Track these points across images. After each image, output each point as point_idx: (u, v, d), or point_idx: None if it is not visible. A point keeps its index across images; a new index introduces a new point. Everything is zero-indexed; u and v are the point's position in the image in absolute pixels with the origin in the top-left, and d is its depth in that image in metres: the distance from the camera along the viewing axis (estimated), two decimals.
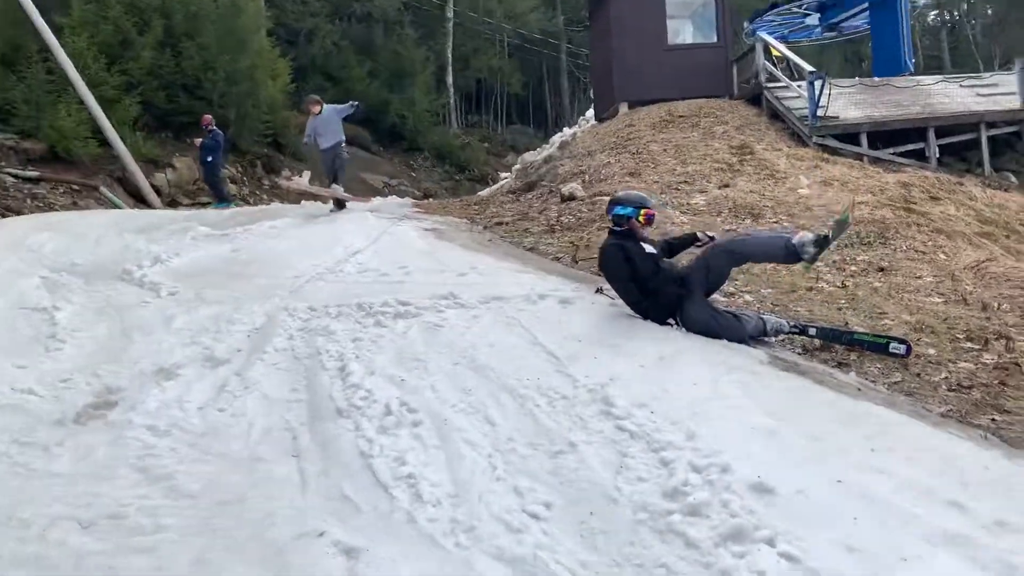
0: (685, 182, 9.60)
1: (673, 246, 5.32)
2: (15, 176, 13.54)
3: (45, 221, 10.19)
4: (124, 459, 3.50)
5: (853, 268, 6.32)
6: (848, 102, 12.28)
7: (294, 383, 4.34)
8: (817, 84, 11.26)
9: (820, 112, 11.32)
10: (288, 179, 13.08)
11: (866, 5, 15.50)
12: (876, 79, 14.06)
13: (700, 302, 4.85)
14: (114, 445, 3.65)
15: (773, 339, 4.87)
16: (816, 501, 2.91)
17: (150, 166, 16.23)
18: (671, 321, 4.89)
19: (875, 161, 11.09)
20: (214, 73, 17.95)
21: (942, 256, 6.79)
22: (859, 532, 2.72)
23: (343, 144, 10.78)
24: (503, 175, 21.76)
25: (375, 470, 3.28)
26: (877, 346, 4.59)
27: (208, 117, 14.29)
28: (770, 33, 14.37)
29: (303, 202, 13.19)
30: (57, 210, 12.84)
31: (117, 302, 6.19)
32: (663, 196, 9.03)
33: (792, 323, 4.90)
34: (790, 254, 4.85)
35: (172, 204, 15.94)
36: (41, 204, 13.45)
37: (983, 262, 6.55)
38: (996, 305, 5.51)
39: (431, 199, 18.22)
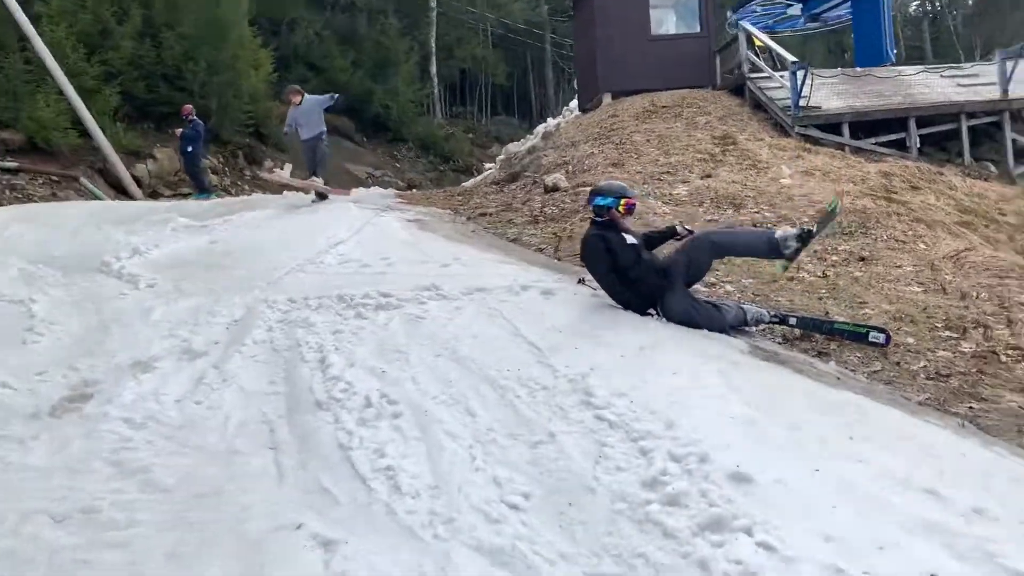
0: (668, 172, 9.60)
1: (652, 239, 5.32)
2: None
3: (23, 212, 10.09)
4: (99, 452, 3.46)
5: (834, 258, 6.35)
6: (830, 92, 12.32)
7: (273, 375, 4.30)
8: (799, 74, 11.29)
9: (802, 102, 11.35)
10: (270, 171, 12.99)
11: None
12: (858, 69, 14.11)
13: (681, 292, 4.85)
14: (89, 438, 3.61)
15: (753, 329, 4.88)
16: (794, 490, 2.91)
17: (131, 157, 16.08)
18: (652, 311, 4.90)
19: (857, 151, 11.14)
20: (195, 63, 17.77)
21: (922, 246, 6.82)
22: (836, 521, 2.72)
23: (324, 135, 10.70)
24: (487, 166, 21.70)
25: (354, 462, 3.26)
26: (857, 335, 4.62)
27: (189, 107, 14.14)
28: (753, 23, 14.37)
29: (285, 192, 13.12)
30: (36, 201, 12.73)
31: (95, 294, 6.14)
32: (645, 187, 9.03)
33: (772, 313, 4.91)
34: (772, 248, 4.88)
35: (153, 195, 15.79)
36: (20, 195, 13.31)
37: (962, 251, 6.59)
38: (975, 294, 5.54)
39: (415, 190, 18.16)
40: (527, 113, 34.75)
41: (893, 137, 11.54)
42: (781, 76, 12.15)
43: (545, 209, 8.88)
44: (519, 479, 3.12)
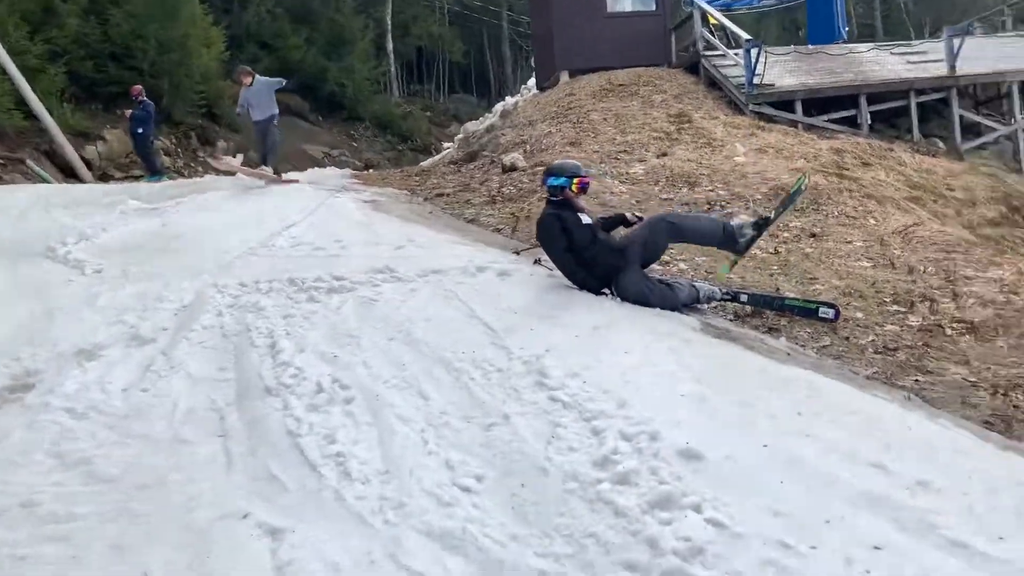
0: (624, 151, 9.62)
1: (604, 223, 5.32)
2: None
3: None
4: (39, 444, 3.37)
5: (786, 234, 6.41)
6: (783, 70, 12.40)
7: (222, 362, 4.23)
8: (753, 52, 11.34)
9: (756, 80, 11.41)
10: (217, 159, 12.73)
11: None
12: (810, 47, 14.23)
13: (635, 272, 4.87)
14: (30, 429, 3.51)
15: (706, 306, 4.92)
16: (743, 466, 2.94)
17: (80, 139, 15.61)
18: (606, 291, 4.91)
19: (809, 128, 11.24)
20: (144, 41, 17.27)
21: (872, 221, 6.93)
22: (784, 496, 2.75)
23: (276, 118, 10.51)
24: (446, 145, 21.54)
25: (303, 449, 3.22)
26: (807, 311, 4.68)
27: (138, 87, 13.76)
28: (708, 1, 14.39)
29: (239, 174, 12.86)
30: None
31: (40, 281, 5.96)
32: (603, 166, 9.04)
33: (724, 290, 4.95)
34: (728, 236, 4.93)
35: (104, 178, 15.39)
36: None
37: (910, 226, 6.71)
38: (922, 268, 5.65)
39: (372, 170, 17.95)
40: (485, 91, 34.51)
41: (845, 114, 11.66)
42: (735, 54, 12.20)
43: (503, 189, 8.84)
44: (472, 462, 3.10)
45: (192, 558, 2.59)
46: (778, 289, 5.13)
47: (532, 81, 18.89)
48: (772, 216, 5.15)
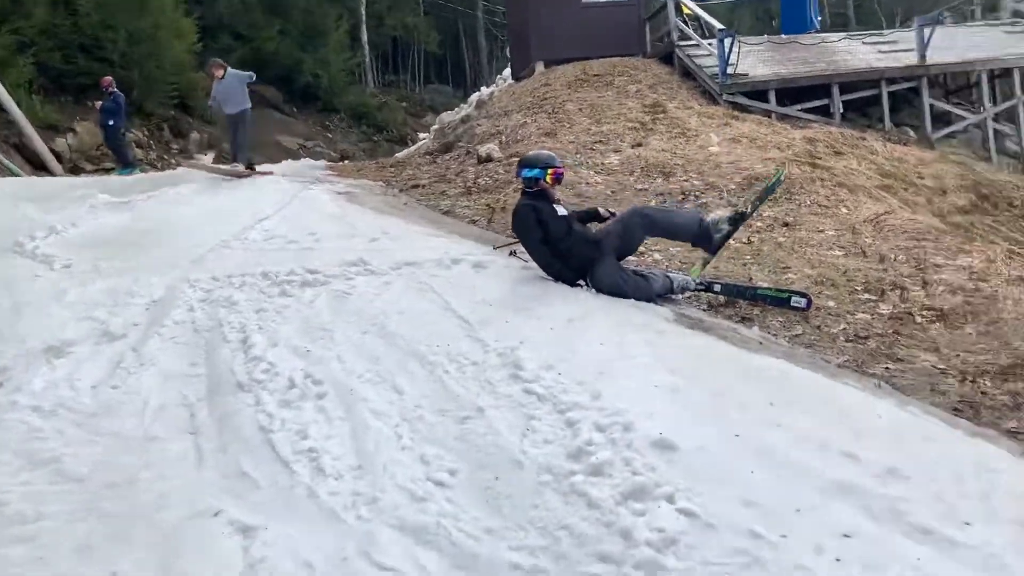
0: (600, 142, 9.63)
1: (577, 218, 5.32)
2: None
3: None
4: (7, 443, 3.32)
5: (759, 224, 6.45)
6: (757, 60, 12.46)
7: (193, 357, 4.19)
8: (727, 42, 11.37)
9: (730, 70, 11.45)
10: (188, 164, 12.60)
11: None
12: (784, 36, 14.29)
13: (610, 263, 4.87)
14: None
15: (680, 296, 4.94)
16: (716, 456, 2.95)
17: (49, 131, 15.35)
18: (581, 282, 4.91)
19: (783, 118, 11.31)
20: (114, 32, 17.00)
21: (844, 210, 6.98)
22: (756, 486, 2.77)
23: (248, 113, 10.39)
24: (421, 136, 21.45)
25: (275, 445, 3.20)
26: (779, 300, 4.71)
27: (108, 79, 13.53)
28: None
29: (198, 155, 12.75)
30: None
31: (7, 276, 5.88)
32: (578, 156, 9.04)
33: (698, 280, 4.97)
34: (703, 232, 4.95)
35: (74, 171, 15.16)
36: None
37: (882, 215, 6.78)
38: (893, 257, 5.70)
39: (348, 161, 17.84)
40: (461, 82, 34.36)
41: (817, 103, 11.74)
42: (709, 44, 12.23)
43: (479, 180, 8.82)
44: (446, 456, 3.10)
45: (162, 557, 2.56)
46: (751, 279, 5.17)
47: (507, 71, 18.82)
48: (748, 211, 5.19)
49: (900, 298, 4.88)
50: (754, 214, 5.36)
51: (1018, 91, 12.52)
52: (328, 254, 5.72)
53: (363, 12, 29.60)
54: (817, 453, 2.98)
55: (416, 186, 9.10)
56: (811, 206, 6.98)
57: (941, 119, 12.47)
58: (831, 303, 4.82)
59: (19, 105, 14.43)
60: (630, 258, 5.33)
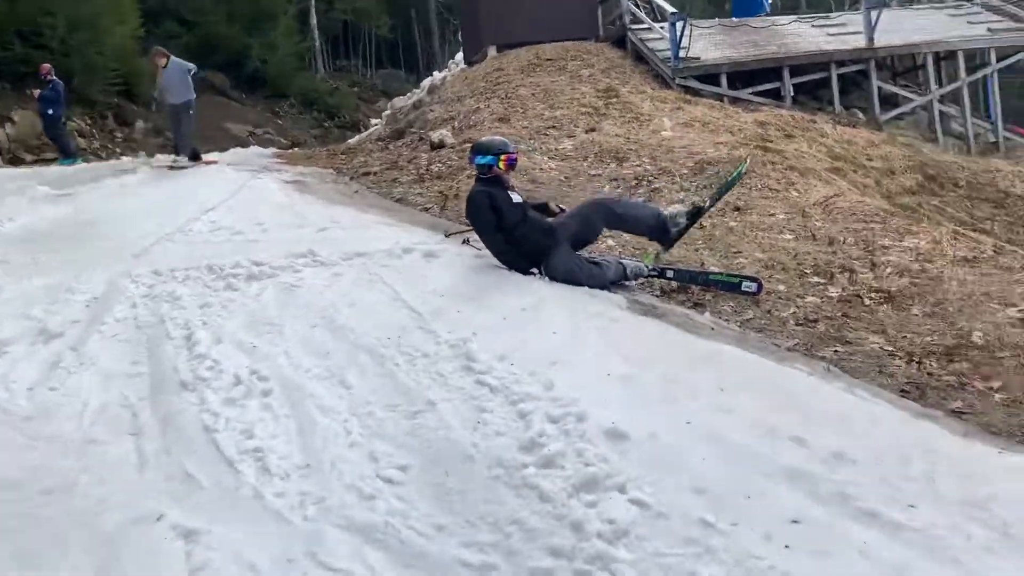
0: (553, 127, 9.59)
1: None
2: None
3: None
4: None
5: (711, 208, 6.46)
6: (709, 43, 12.50)
7: (135, 355, 4.07)
8: (678, 25, 11.39)
9: (682, 54, 11.47)
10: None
11: None
12: (735, 20, 14.37)
13: (565, 251, 4.85)
14: None
15: (633, 283, 4.93)
16: (667, 444, 2.95)
17: None
18: (535, 271, 4.88)
19: (735, 101, 11.38)
20: (52, 18, 16.48)
21: (794, 193, 7.05)
22: (706, 473, 2.77)
23: (192, 103, 10.14)
24: (374, 121, 21.14)
25: (220, 445, 3.11)
26: (730, 285, 4.73)
27: (47, 66, 13.08)
28: None
29: (156, 155, 12.45)
30: None
31: None
32: (532, 142, 9.00)
33: (651, 266, 4.97)
34: (660, 224, 4.95)
35: (14, 161, 14.69)
36: None
37: (831, 198, 6.85)
38: (842, 239, 5.77)
39: (298, 148, 17.55)
40: (414, 66, 33.94)
41: (768, 87, 11.83)
42: (661, 27, 12.24)
43: (431, 167, 8.73)
44: (396, 452, 3.05)
45: (101, 564, 2.48)
46: (703, 264, 5.18)
47: (460, 56, 18.64)
48: (706, 205, 5.20)
49: (849, 281, 4.94)
50: (712, 208, 5.38)
51: (962, 73, 12.76)
52: (276, 245, 5.60)
53: None
54: (767, 439, 3.00)
55: (367, 173, 8.98)
56: (762, 190, 7.03)
57: (889, 101, 12.67)
58: (781, 287, 4.85)
59: None
60: None
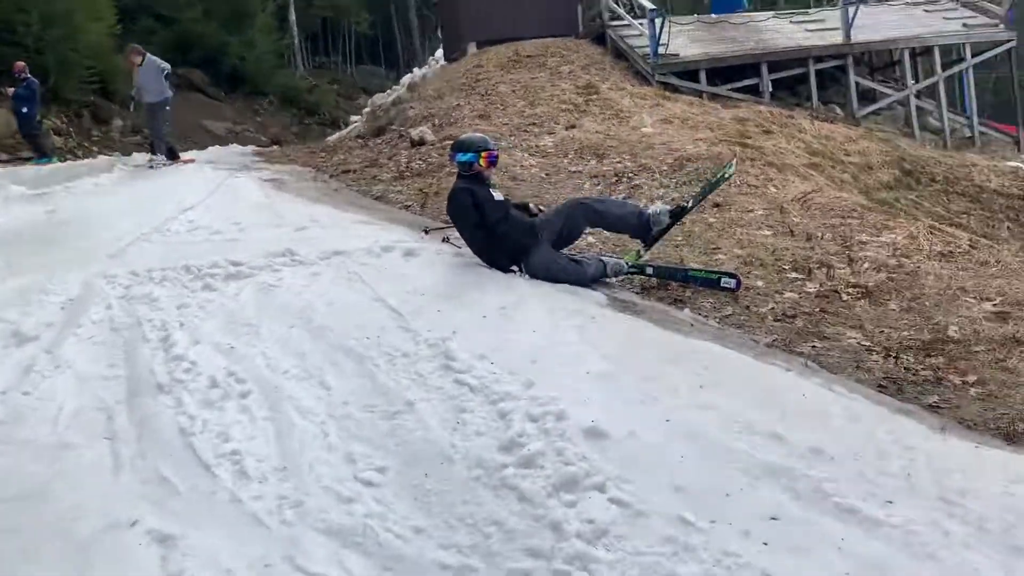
0: (534, 124, 9.59)
1: None
2: None
3: None
4: None
5: (694, 209, 6.48)
6: (688, 40, 12.54)
7: (111, 358, 4.01)
8: (657, 22, 11.41)
9: (661, 50, 11.49)
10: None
11: None
12: (714, 16, 14.42)
13: (546, 249, 4.85)
14: None
15: (614, 280, 4.93)
16: (646, 443, 2.95)
17: None
18: (515, 269, 4.87)
19: (713, 97, 11.42)
20: (26, 15, 16.25)
21: (772, 189, 7.07)
22: (685, 471, 2.78)
23: (168, 101, 10.04)
24: (354, 118, 21.03)
25: (196, 448, 3.07)
26: (709, 281, 4.74)
27: (20, 64, 12.91)
28: None
29: (134, 154, 12.34)
30: None
31: None
32: (512, 139, 8.99)
33: (631, 263, 4.97)
34: (643, 223, 4.96)
35: None
36: None
37: (809, 193, 6.88)
38: (820, 235, 5.79)
39: (278, 146, 17.43)
40: (394, 63, 33.85)
41: (747, 83, 11.89)
42: (641, 24, 12.25)
43: (411, 164, 8.70)
44: (374, 453, 3.02)
45: (74, 572, 2.44)
46: (683, 260, 5.19)
47: (440, 52, 18.57)
48: (689, 205, 5.21)
49: (827, 276, 4.96)
50: (695, 208, 5.39)
51: (938, 68, 12.88)
52: (254, 245, 5.55)
53: None
54: (745, 435, 3.00)
55: (347, 171, 8.94)
56: (741, 186, 7.05)
57: (866, 96, 12.77)
58: (760, 283, 4.87)
59: None
60: None
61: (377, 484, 2.83)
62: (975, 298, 4.56)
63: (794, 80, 12.36)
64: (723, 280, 4.71)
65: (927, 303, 4.51)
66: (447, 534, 2.55)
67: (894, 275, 4.95)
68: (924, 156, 10.53)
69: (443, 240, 5.51)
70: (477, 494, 2.74)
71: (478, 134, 5.63)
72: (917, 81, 13.04)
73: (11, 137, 15.22)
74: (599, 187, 7.31)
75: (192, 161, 10.27)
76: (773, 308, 4.52)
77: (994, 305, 4.44)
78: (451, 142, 5.71)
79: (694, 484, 2.70)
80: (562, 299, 4.46)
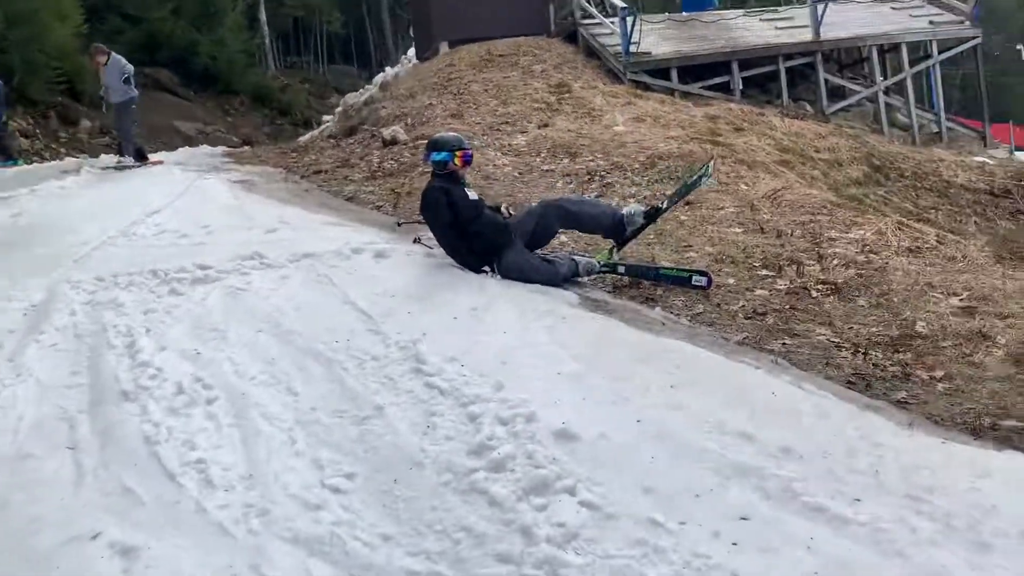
0: (506, 123, 9.56)
1: None
2: None
3: None
4: None
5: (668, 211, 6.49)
6: (659, 38, 12.56)
7: (75, 365, 3.94)
8: (628, 20, 11.42)
9: (633, 48, 11.51)
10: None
11: None
12: (684, 14, 14.48)
13: (517, 250, 4.84)
14: None
15: (586, 279, 4.92)
16: (616, 444, 2.94)
17: None
18: (487, 269, 4.85)
19: (685, 95, 11.45)
20: None
21: (743, 186, 7.10)
22: (655, 471, 2.77)
23: (134, 100, 9.90)
24: (326, 118, 20.87)
25: (161, 457, 3.02)
26: (680, 280, 4.74)
27: None
28: None
29: (102, 156, 12.15)
30: None
31: None
32: (485, 138, 8.96)
33: (603, 262, 4.97)
34: (617, 224, 4.97)
35: None
36: None
37: (779, 190, 6.91)
38: (789, 232, 5.82)
39: (250, 146, 17.25)
40: (367, 62, 33.59)
41: (718, 80, 11.94)
42: (612, 22, 12.26)
43: (384, 164, 8.65)
44: (343, 460, 2.99)
45: None
46: (654, 258, 5.19)
47: (412, 51, 18.49)
48: (664, 206, 5.21)
49: (796, 273, 4.98)
50: (670, 210, 5.40)
51: (906, 65, 13.02)
52: (222, 248, 5.48)
53: None
54: (716, 435, 3.00)
55: (318, 172, 8.86)
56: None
57: (836, 93, 12.88)
58: (731, 280, 4.88)
59: None
60: None
61: (345, 491, 2.79)
62: (942, 293, 4.60)
63: (764, 78, 12.43)
64: (694, 278, 4.72)
65: (895, 299, 4.55)
66: (416, 541, 2.53)
67: (863, 271, 4.98)
68: (892, 152, 10.64)
69: (414, 241, 5.47)
70: (446, 499, 2.72)
71: (452, 133, 5.62)
72: (885, 78, 13.16)
73: None
74: (572, 186, 7.30)
75: (161, 162, 10.13)
76: (744, 306, 4.54)
77: (961, 300, 4.49)
78: (424, 141, 5.69)
79: (664, 485, 2.70)
80: (533, 299, 4.44)
